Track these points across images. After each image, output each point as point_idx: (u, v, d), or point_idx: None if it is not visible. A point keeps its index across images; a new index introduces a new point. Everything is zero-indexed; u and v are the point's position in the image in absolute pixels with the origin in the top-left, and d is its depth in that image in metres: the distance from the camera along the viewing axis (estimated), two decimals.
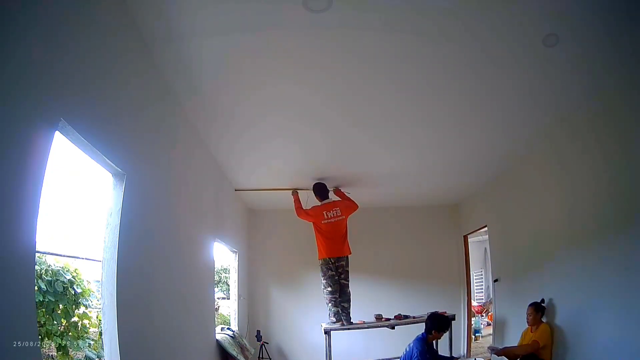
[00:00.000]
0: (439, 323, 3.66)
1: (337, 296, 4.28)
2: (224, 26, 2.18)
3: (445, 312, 4.45)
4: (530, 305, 3.74)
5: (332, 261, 4.30)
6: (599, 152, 3.03)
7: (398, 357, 4.77)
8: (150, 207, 2.42)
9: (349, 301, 4.36)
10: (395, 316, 4.47)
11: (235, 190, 5.12)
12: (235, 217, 5.42)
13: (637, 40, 2.33)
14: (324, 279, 4.34)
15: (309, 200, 4.66)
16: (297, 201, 4.61)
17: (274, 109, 3.13)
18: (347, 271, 4.38)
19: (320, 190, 4.55)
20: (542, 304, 3.72)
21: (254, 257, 6.28)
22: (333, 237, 4.35)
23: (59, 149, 1.55)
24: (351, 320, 4.33)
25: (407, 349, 3.78)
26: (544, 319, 3.69)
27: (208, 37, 2.26)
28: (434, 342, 3.92)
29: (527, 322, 3.75)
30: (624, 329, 2.74)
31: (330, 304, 4.32)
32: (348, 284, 4.38)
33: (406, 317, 4.44)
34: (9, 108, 1.24)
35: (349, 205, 4.55)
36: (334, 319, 4.29)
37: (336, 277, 4.29)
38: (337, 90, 2.88)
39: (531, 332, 3.72)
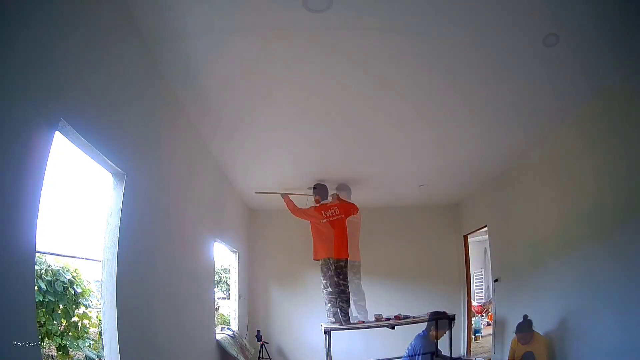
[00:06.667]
0: (437, 320, 3.64)
1: (336, 297, 4.29)
2: (224, 26, 2.18)
3: (445, 312, 4.45)
4: (521, 330, 3.64)
5: (332, 262, 4.31)
6: (600, 152, 3.03)
7: (398, 357, 4.77)
8: (150, 207, 2.42)
9: (347, 301, 4.36)
10: (395, 316, 4.47)
11: (255, 192, 5.07)
12: (235, 217, 5.42)
13: (637, 40, 2.33)
14: (323, 279, 4.36)
15: (308, 202, 4.70)
16: (290, 202, 4.64)
17: (274, 108, 3.13)
18: (346, 272, 4.37)
19: (321, 190, 4.61)
20: (528, 319, 3.67)
21: (254, 257, 6.27)
22: (330, 238, 4.37)
23: (59, 149, 1.55)
24: (349, 320, 4.33)
25: (409, 347, 3.80)
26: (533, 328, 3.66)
27: (208, 37, 2.26)
28: (436, 340, 3.92)
29: (523, 344, 3.63)
30: (625, 329, 2.73)
31: (329, 305, 4.32)
32: (347, 284, 4.38)
33: (406, 317, 4.44)
34: (9, 108, 1.24)
35: (348, 206, 4.57)
36: (333, 319, 4.29)
37: (335, 278, 4.28)
38: (337, 90, 2.88)
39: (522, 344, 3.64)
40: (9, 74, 1.24)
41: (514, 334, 3.76)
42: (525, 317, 3.69)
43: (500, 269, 5.10)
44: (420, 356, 3.56)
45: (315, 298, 5.77)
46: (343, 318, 4.27)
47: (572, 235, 3.42)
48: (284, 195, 4.65)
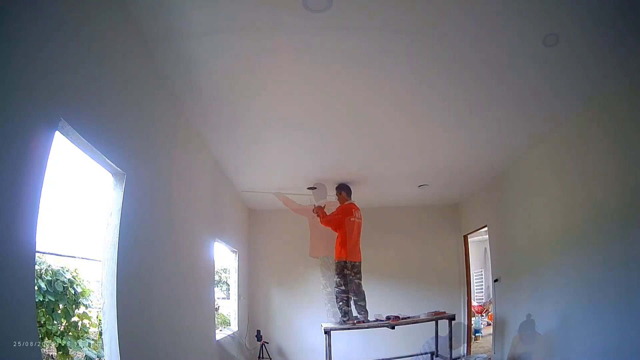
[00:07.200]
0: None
1: (335, 296, 4.29)
2: (224, 26, 2.18)
3: (445, 312, 4.45)
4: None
5: (331, 262, 4.34)
6: (600, 152, 3.03)
7: (398, 357, 4.78)
8: (150, 207, 2.42)
9: (347, 301, 4.37)
10: (395, 316, 4.46)
11: (242, 191, 5.16)
12: (235, 217, 5.42)
13: (637, 40, 2.33)
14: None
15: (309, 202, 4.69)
16: (287, 199, 4.65)
17: (274, 109, 3.13)
18: (346, 273, 4.36)
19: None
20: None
21: (254, 257, 6.27)
22: (329, 237, 4.42)
23: (59, 149, 1.55)
24: (349, 320, 4.34)
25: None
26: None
27: (208, 37, 2.26)
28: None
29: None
30: (625, 329, 2.73)
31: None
32: (347, 284, 4.38)
33: (406, 317, 4.44)
34: (9, 108, 1.24)
35: (347, 207, 4.58)
36: (333, 319, 4.29)
37: (335, 278, 4.29)
38: (337, 90, 2.88)
39: None
40: (9, 74, 1.24)
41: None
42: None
43: (500, 269, 5.09)
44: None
45: (315, 298, 5.77)
46: (343, 318, 4.28)
47: (572, 235, 3.42)
48: (279, 195, 4.66)
